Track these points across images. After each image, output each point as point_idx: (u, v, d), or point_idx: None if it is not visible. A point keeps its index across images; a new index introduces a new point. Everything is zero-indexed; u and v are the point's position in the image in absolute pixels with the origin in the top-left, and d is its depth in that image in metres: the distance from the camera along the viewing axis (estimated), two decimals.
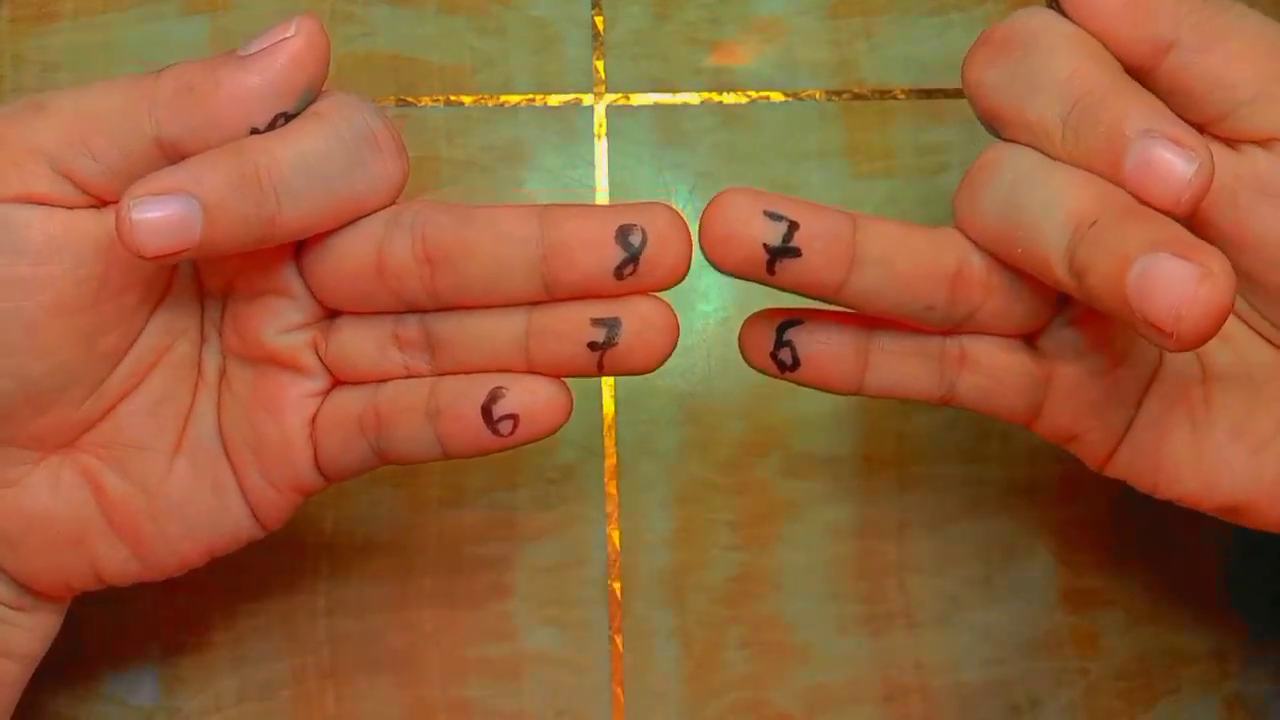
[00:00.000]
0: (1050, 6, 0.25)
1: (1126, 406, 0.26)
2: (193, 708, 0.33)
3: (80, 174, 0.23)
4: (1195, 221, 0.25)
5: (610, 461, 0.34)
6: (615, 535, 0.34)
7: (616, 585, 0.34)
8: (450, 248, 0.24)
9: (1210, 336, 0.21)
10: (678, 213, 0.24)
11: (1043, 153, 0.24)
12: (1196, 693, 0.34)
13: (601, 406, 0.35)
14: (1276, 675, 0.34)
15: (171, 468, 0.26)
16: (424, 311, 0.25)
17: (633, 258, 0.24)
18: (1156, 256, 0.21)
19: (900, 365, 0.26)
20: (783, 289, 0.24)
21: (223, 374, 0.27)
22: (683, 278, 0.24)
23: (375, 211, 0.25)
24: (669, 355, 0.25)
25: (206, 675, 0.33)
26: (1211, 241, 0.25)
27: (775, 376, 0.26)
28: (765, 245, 0.23)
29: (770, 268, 0.24)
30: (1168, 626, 0.34)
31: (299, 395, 0.26)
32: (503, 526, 0.34)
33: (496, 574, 0.34)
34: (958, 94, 0.36)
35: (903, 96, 0.36)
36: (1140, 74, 0.25)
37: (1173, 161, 0.22)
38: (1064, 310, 0.26)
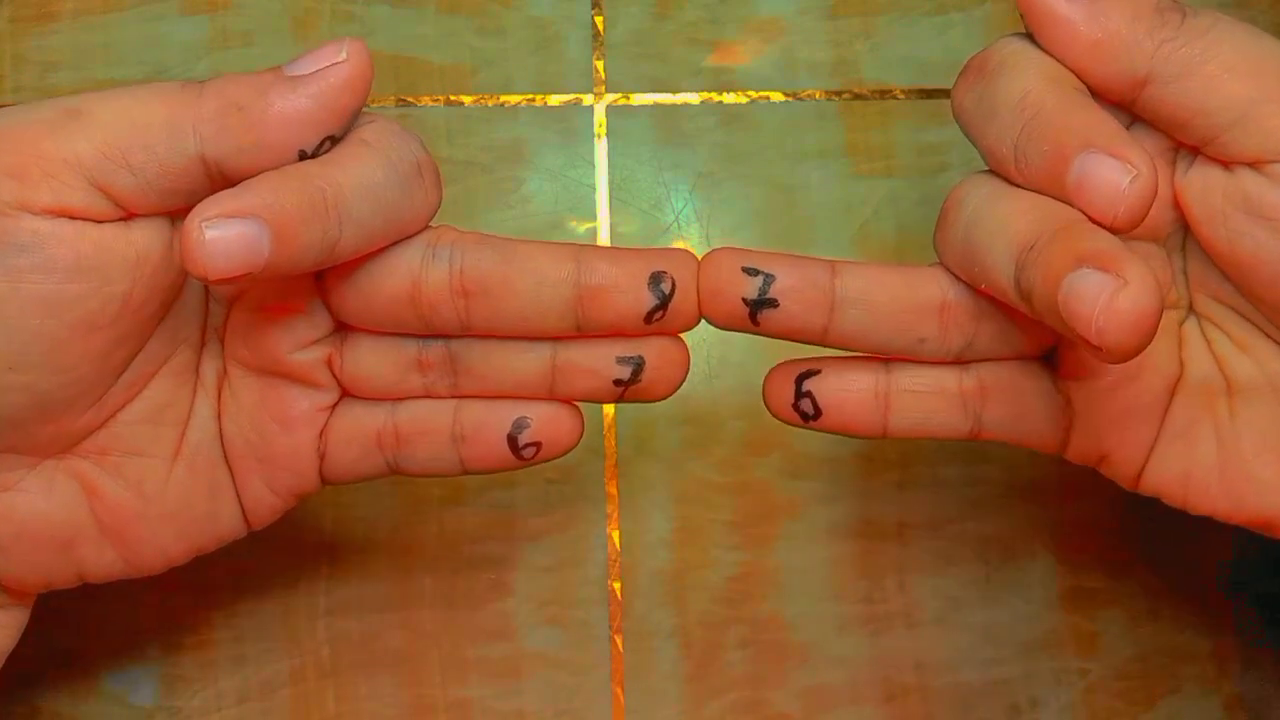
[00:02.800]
0: (1026, 34, 0.25)
1: (1150, 422, 0.26)
2: (193, 707, 0.33)
3: (115, 188, 0.23)
4: (1198, 244, 0.25)
5: (610, 461, 0.34)
6: (615, 535, 0.34)
7: (616, 585, 0.34)
8: (489, 283, 0.25)
9: (1140, 346, 0.21)
10: (698, 259, 0.25)
11: (1006, 179, 0.24)
12: (1196, 693, 0.34)
13: (602, 407, 0.35)
14: (1276, 675, 0.34)
15: (170, 474, 0.26)
16: (449, 337, 0.26)
17: (663, 305, 0.25)
18: (1080, 272, 0.21)
19: (922, 404, 0.26)
20: (772, 336, 0.26)
21: (222, 379, 0.26)
22: (698, 323, 0.26)
23: (409, 237, 0.25)
24: (681, 386, 0.26)
25: (206, 675, 0.33)
26: (1213, 262, 0.25)
27: (800, 427, 0.27)
28: (744, 299, 0.25)
29: (753, 319, 0.25)
30: (1168, 626, 0.34)
31: (311, 408, 0.26)
32: (503, 526, 0.34)
33: (496, 574, 0.34)
34: None
35: (902, 96, 0.36)
36: (1120, 106, 0.25)
37: (1108, 175, 0.22)
38: None
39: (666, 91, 0.36)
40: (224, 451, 0.26)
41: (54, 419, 0.24)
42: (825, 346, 0.26)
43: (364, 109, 0.24)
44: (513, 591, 0.34)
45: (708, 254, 0.26)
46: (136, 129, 0.23)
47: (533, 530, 0.34)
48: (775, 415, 0.27)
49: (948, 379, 0.26)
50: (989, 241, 0.24)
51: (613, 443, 0.35)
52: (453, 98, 0.36)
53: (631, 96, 0.36)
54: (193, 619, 0.33)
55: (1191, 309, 0.27)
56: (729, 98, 0.36)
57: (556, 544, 0.34)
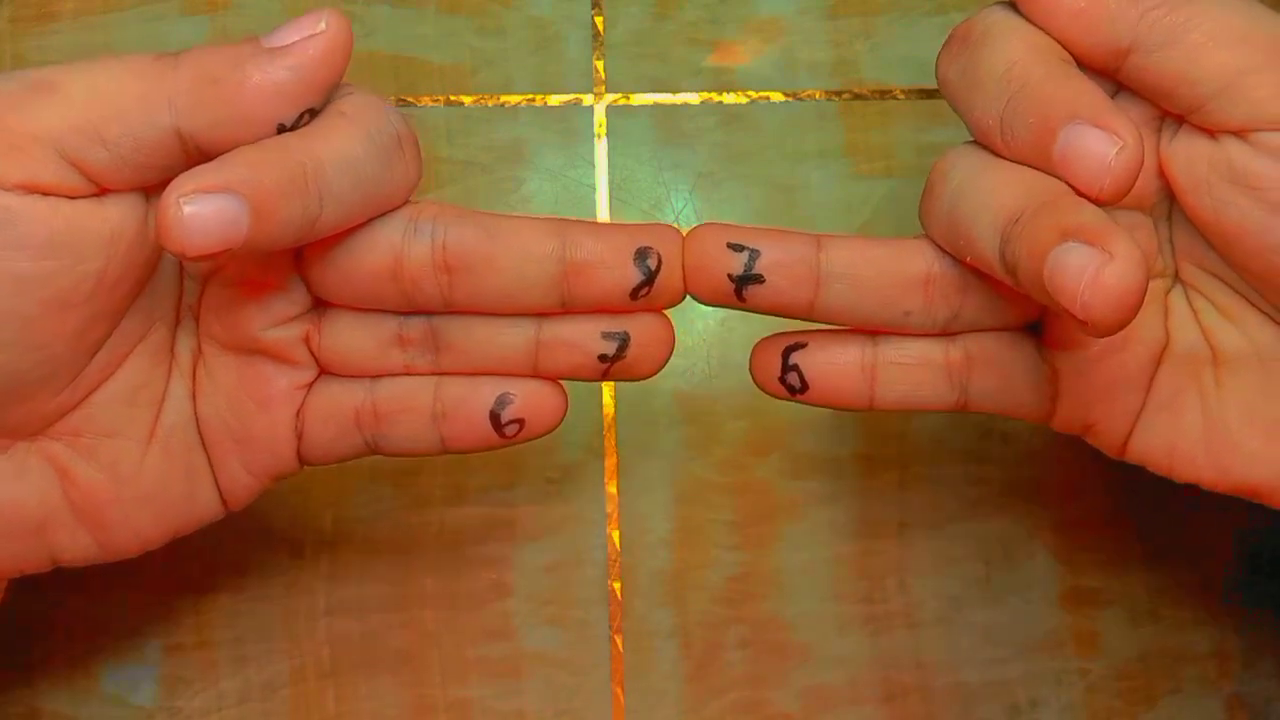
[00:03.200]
0: (1009, 4, 0.25)
1: (1135, 390, 0.26)
2: (193, 708, 0.33)
3: (88, 163, 0.22)
4: (1184, 213, 0.25)
5: (610, 461, 0.34)
6: (615, 535, 0.34)
7: (616, 585, 0.34)
8: (472, 259, 0.24)
9: (1126, 320, 0.21)
10: (683, 235, 0.25)
11: (992, 150, 0.24)
12: (1196, 693, 0.34)
13: (601, 406, 0.35)
14: (1276, 675, 0.34)
15: (144, 455, 0.25)
16: (431, 313, 0.25)
17: (648, 280, 0.25)
18: (1065, 246, 0.21)
19: (909, 376, 0.26)
20: (757, 312, 0.26)
21: (197, 358, 0.26)
22: (683, 299, 0.26)
23: (389, 212, 0.25)
24: (666, 363, 0.26)
25: (206, 675, 0.33)
26: (1199, 232, 0.25)
27: (787, 400, 0.27)
28: (729, 275, 0.25)
29: (738, 295, 0.25)
30: (1168, 626, 0.34)
31: (288, 386, 0.26)
32: (503, 526, 0.34)
33: (496, 574, 0.34)
34: None
35: (902, 96, 0.36)
36: (1104, 75, 0.25)
37: (1094, 146, 0.22)
38: None
39: (666, 91, 0.36)
40: (200, 432, 0.26)
41: (26, 399, 0.24)
42: (811, 321, 0.26)
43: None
44: (513, 591, 0.34)
45: (692, 230, 0.25)
46: (109, 102, 0.22)
47: (533, 530, 0.34)
48: (762, 389, 0.27)
49: (934, 351, 0.26)
50: (974, 214, 0.23)
51: (613, 443, 0.35)
52: (453, 98, 0.36)
53: (631, 96, 0.36)
54: (193, 619, 0.33)
55: (1178, 278, 0.27)
56: (729, 98, 0.36)
57: (556, 544, 0.34)
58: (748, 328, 0.35)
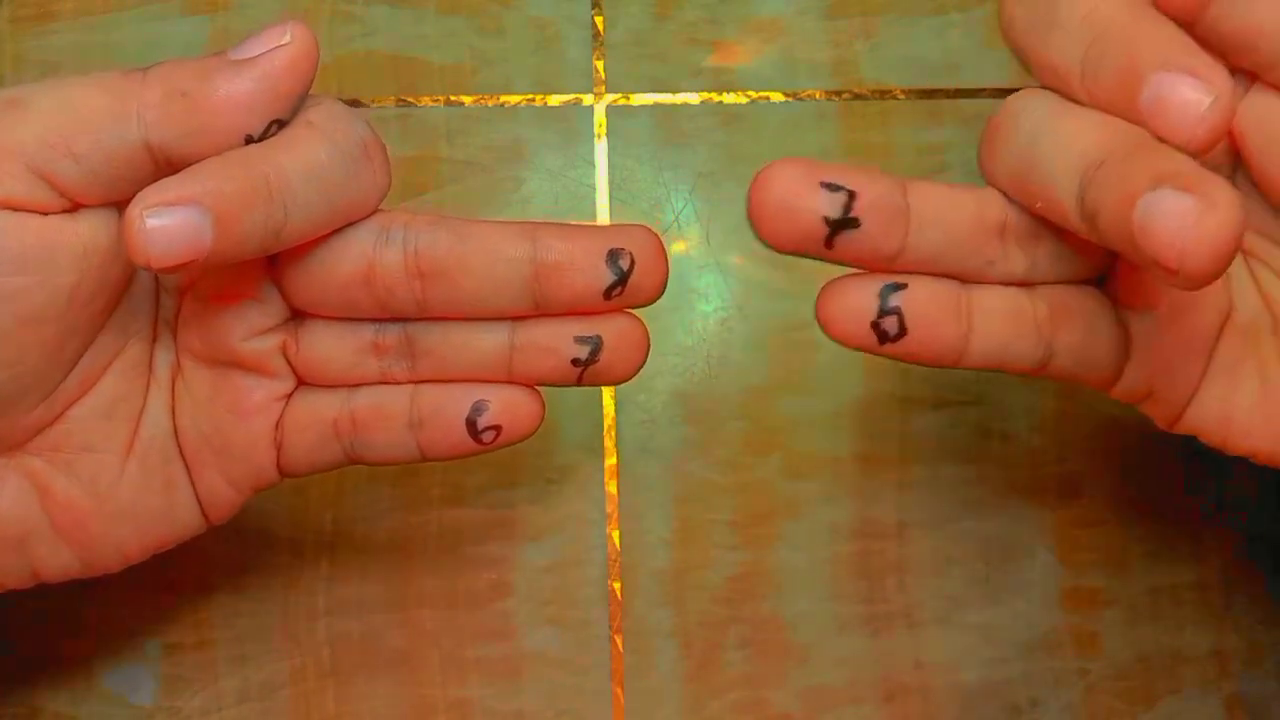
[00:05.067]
0: None
1: (1199, 356, 0.25)
2: (193, 708, 0.33)
3: (59, 177, 0.22)
4: (1249, 175, 0.25)
5: (610, 461, 0.34)
6: (615, 535, 0.34)
7: (616, 585, 0.34)
8: (445, 263, 0.25)
9: (1218, 273, 0.20)
10: (657, 235, 0.25)
11: (1065, 95, 0.23)
12: (1196, 693, 0.34)
13: (601, 406, 0.35)
14: (1276, 675, 0.34)
15: (123, 470, 0.26)
16: (406, 320, 0.26)
17: (621, 280, 0.25)
18: (1159, 192, 0.20)
19: (1003, 329, 0.25)
20: (836, 262, 0.24)
21: (175, 372, 0.26)
22: (659, 297, 0.26)
23: (360, 220, 0.25)
24: (641, 368, 0.26)
25: (206, 675, 0.33)
26: (1265, 195, 0.24)
27: (871, 351, 0.24)
28: (825, 219, 0.23)
29: (829, 242, 0.23)
30: (1168, 626, 0.34)
31: (266, 398, 0.26)
32: (503, 526, 0.34)
33: (496, 574, 0.34)
34: (957, 94, 0.36)
35: (902, 96, 0.36)
36: (1185, 25, 0.23)
37: (1187, 95, 0.21)
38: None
39: (666, 91, 0.36)
40: (179, 446, 0.26)
41: (3, 414, 0.24)
42: (890, 271, 0.24)
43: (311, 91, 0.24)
44: (513, 591, 0.34)
45: (772, 166, 0.23)
46: (79, 117, 0.22)
47: (533, 530, 0.34)
48: (839, 338, 0.24)
49: (1023, 301, 0.25)
50: (1050, 158, 0.22)
51: (613, 443, 0.35)
52: (453, 98, 0.36)
53: (631, 96, 0.36)
54: (193, 619, 0.33)
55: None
56: (729, 98, 0.36)
57: (556, 544, 0.34)
58: (747, 328, 0.35)
